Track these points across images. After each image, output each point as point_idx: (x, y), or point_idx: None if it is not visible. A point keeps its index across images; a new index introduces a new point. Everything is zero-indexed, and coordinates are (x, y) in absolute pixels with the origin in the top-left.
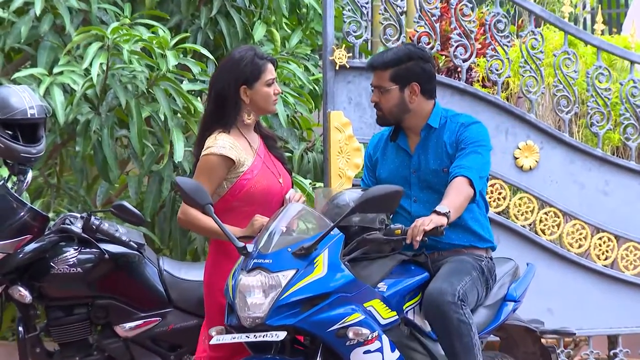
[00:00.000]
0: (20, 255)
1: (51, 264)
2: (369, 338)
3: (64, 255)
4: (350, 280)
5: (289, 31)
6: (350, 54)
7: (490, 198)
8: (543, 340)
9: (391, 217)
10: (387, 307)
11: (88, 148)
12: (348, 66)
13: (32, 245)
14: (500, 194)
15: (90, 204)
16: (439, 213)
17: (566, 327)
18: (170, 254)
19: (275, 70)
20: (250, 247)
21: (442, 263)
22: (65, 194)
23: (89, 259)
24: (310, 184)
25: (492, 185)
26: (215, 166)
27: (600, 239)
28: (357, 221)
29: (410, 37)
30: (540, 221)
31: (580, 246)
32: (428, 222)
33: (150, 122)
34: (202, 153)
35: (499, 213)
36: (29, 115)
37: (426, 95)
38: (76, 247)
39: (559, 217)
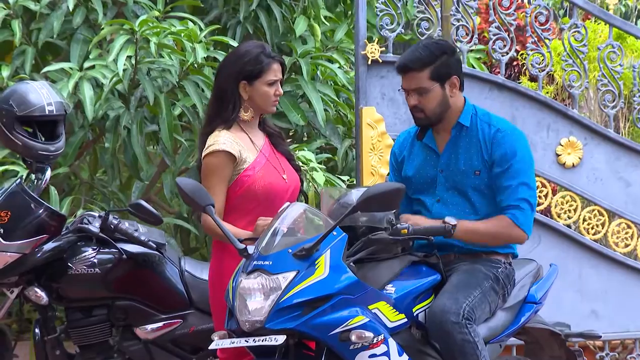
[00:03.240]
0: (37, 256)
1: (69, 264)
2: (374, 342)
3: (82, 255)
4: (354, 282)
5: (327, 25)
6: (384, 48)
7: None
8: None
9: None
10: (395, 310)
11: (117, 144)
12: (381, 61)
13: (49, 245)
14: (541, 192)
15: (125, 201)
16: (445, 222)
17: (592, 330)
18: (208, 253)
19: (283, 72)
20: (251, 249)
21: (455, 269)
22: (98, 191)
23: (107, 259)
24: (347, 180)
25: None
26: (220, 164)
27: None
28: (364, 221)
29: None
30: (584, 220)
31: (626, 246)
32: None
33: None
34: (204, 153)
35: (540, 212)
36: (47, 112)
37: (461, 89)
38: (94, 247)
39: (603, 216)
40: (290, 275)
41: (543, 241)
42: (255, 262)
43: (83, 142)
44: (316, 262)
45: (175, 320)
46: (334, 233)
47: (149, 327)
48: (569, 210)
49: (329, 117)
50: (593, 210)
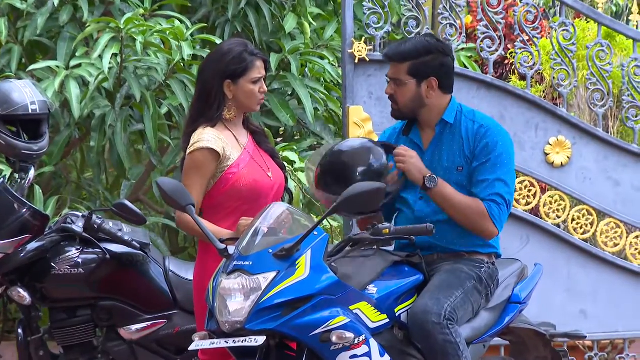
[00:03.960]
0: (20, 255)
1: (52, 264)
2: (355, 342)
3: (66, 255)
4: (334, 282)
5: (315, 24)
6: (371, 47)
7: (519, 196)
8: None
9: (396, 214)
10: (376, 310)
11: (103, 143)
12: (368, 59)
13: (32, 245)
14: (530, 191)
15: (112, 201)
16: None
17: (577, 330)
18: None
19: (267, 70)
20: (232, 249)
21: (437, 269)
22: (85, 191)
23: (91, 259)
24: None
25: (521, 182)
26: (203, 161)
27: (636, 237)
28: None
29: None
30: (573, 220)
31: (615, 245)
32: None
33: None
34: (188, 150)
35: (528, 211)
36: (30, 111)
37: (444, 90)
38: (78, 247)
39: (592, 215)
40: (271, 275)
41: (532, 241)
42: (235, 263)
43: (69, 141)
44: (297, 263)
45: (160, 321)
46: (315, 233)
47: (133, 327)
48: (558, 210)
49: (319, 114)
50: (582, 209)
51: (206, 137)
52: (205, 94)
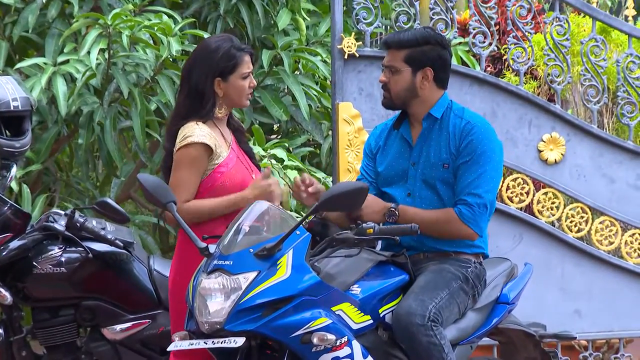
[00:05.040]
0: (2, 254)
1: (34, 263)
2: (337, 344)
3: (48, 254)
4: (316, 283)
5: (309, 19)
6: (361, 42)
7: (512, 193)
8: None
9: None
10: (360, 311)
11: (91, 140)
12: (358, 55)
13: (14, 244)
14: (523, 188)
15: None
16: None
17: (567, 331)
18: None
19: (253, 62)
20: (212, 248)
21: (423, 268)
22: (74, 189)
23: (73, 258)
24: (323, 178)
25: (514, 180)
26: (197, 156)
27: (631, 236)
28: None
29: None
30: (567, 218)
31: (610, 243)
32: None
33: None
34: (181, 144)
35: (521, 209)
36: (12, 108)
37: (438, 84)
38: (60, 246)
39: (586, 213)
40: (251, 275)
41: (525, 239)
42: (215, 262)
43: (57, 139)
44: (278, 263)
45: (144, 321)
46: (297, 232)
47: (117, 327)
48: (552, 208)
49: (312, 111)
50: (576, 207)
51: (199, 132)
52: (196, 93)
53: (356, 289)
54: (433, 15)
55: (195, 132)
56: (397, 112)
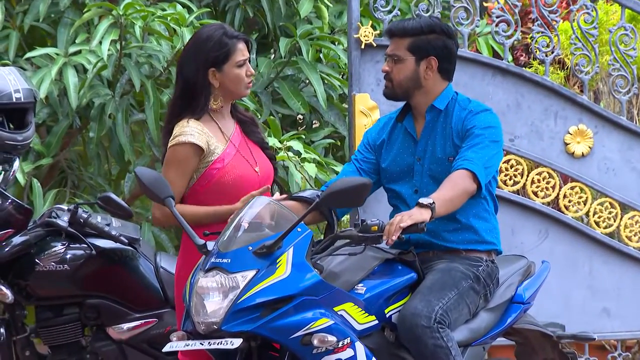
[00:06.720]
0: (3, 251)
1: (36, 260)
2: (339, 345)
3: (51, 250)
4: (317, 282)
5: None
6: (379, 32)
7: (537, 187)
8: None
9: (392, 210)
10: (364, 311)
11: (102, 133)
12: (375, 45)
13: (16, 240)
14: (548, 183)
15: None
16: (421, 205)
17: (586, 332)
18: None
19: (249, 50)
20: (211, 245)
21: (432, 267)
22: (86, 184)
23: (77, 255)
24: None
25: (539, 174)
26: (185, 156)
27: None
28: None
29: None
30: (595, 213)
31: None
32: (407, 219)
33: None
34: (170, 143)
35: (547, 204)
36: (14, 100)
37: (443, 75)
38: (63, 242)
39: (615, 209)
40: (250, 274)
41: (551, 235)
42: (213, 260)
43: (69, 131)
44: (277, 261)
45: (150, 320)
46: (298, 229)
47: (123, 326)
48: (579, 203)
49: (333, 102)
50: (604, 202)
51: (189, 130)
52: (189, 88)
53: (361, 288)
54: (454, 3)
55: (184, 130)
56: (401, 105)
